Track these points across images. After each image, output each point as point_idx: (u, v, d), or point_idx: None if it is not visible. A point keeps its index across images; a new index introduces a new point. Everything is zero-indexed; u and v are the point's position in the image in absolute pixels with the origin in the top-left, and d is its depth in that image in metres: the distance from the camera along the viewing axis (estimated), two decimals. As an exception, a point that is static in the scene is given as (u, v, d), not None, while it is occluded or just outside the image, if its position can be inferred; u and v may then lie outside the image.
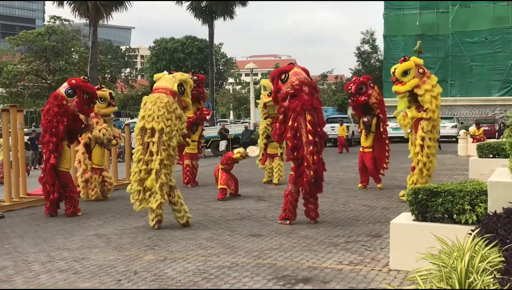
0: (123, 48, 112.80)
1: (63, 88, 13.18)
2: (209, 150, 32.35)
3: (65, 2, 32.42)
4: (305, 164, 10.44)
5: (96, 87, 15.29)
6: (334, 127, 34.72)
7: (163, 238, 9.98)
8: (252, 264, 8.06)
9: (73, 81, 13.24)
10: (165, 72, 11.82)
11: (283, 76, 10.97)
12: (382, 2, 51.23)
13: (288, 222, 10.87)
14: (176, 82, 11.08)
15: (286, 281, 7.19)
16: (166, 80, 11.14)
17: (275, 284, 7.07)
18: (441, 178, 17.22)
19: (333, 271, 7.62)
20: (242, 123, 44.76)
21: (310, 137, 10.43)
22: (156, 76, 11.61)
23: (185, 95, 11.25)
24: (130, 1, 33.77)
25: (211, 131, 34.24)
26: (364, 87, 15.34)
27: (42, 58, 56.37)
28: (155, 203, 10.58)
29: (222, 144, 29.19)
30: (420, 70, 12.75)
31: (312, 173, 10.46)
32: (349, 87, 15.66)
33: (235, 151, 14.94)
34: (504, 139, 10.95)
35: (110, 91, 16.46)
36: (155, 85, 11.26)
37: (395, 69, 13.03)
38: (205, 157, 29.72)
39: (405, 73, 12.78)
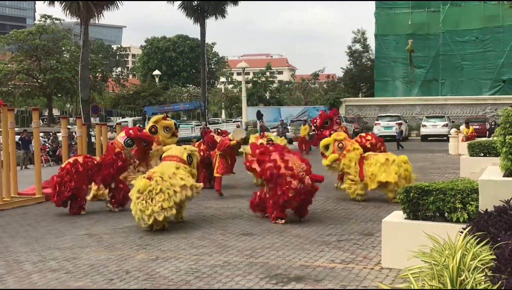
0: (114, 47, 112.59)
1: (121, 139, 13.31)
2: None
3: (56, 1, 32.27)
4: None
5: (162, 116, 15.52)
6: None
7: (155, 237, 9.96)
8: (244, 263, 8.07)
9: (131, 131, 13.43)
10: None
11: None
12: (374, 1, 51.39)
13: (283, 221, 10.86)
14: (186, 153, 11.46)
15: (279, 279, 7.20)
16: (176, 149, 11.56)
17: (268, 282, 7.08)
18: (432, 176, 17.27)
19: (325, 269, 7.63)
20: (234, 122, 44.72)
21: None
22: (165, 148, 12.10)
23: (192, 166, 11.52)
24: (122, 0, 33.64)
25: (186, 131, 34.27)
26: (329, 122, 15.42)
27: (33, 57, 56.22)
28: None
29: None
30: (340, 145, 13.53)
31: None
32: (315, 121, 15.92)
33: (230, 136, 15.14)
34: (495, 138, 11.01)
35: (174, 121, 16.69)
36: (164, 155, 11.59)
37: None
38: None
39: (326, 147, 13.75)
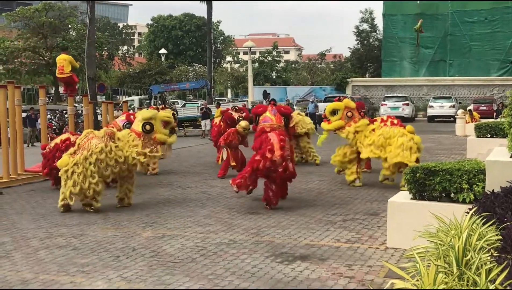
0: (120, 25, 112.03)
1: (120, 122, 13.44)
2: (191, 128, 32.16)
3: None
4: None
5: (161, 106, 15.63)
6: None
7: (161, 215, 10.01)
8: (250, 241, 8.11)
9: (132, 117, 13.44)
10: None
11: (255, 118, 11.39)
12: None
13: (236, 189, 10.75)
14: (140, 122, 10.98)
15: (284, 258, 7.23)
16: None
17: (273, 261, 7.11)
18: (439, 157, 17.24)
19: (331, 248, 7.66)
20: (240, 101, 44.66)
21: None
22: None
23: (155, 132, 10.97)
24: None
25: (192, 111, 34.21)
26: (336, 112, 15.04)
27: (39, 35, 56.06)
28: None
29: (207, 124, 28.57)
30: (349, 114, 12.89)
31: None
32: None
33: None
34: (502, 119, 10.95)
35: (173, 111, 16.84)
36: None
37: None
38: (186, 136, 29.59)
39: (334, 112, 13.04)
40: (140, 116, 11.18)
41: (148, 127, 10.85)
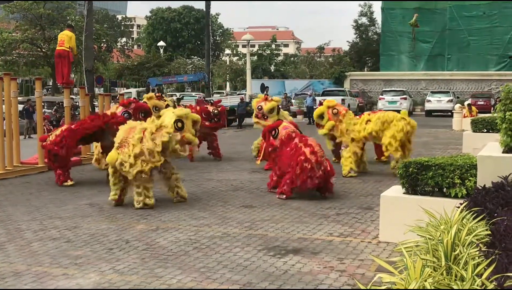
0: (119, 17, 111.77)
1: (119, 112, 13.28)
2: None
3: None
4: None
5: (158, 94, 16.05)
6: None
7: (155, 208, 10.01)
8: (243, 234, 8.13)
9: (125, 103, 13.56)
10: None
11: (273, 132, 11.57)
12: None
13: (284, 197, 10.81)
14: (172, 119, 10.78)
15: (276, 251, 7.25)
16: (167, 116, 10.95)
17: (265, 254, 7.13)
18: (434, 152, 17.26)
19: (323, 242, 7.68)
20: (238, 94, 44.66)
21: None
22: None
23: (184, 131, 10.74)
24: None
25: (190, 103, 34.17)
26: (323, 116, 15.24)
27: (37, 26, 55.97)
28: None
29: None
30: (334, 111, 13.63)
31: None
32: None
33: None
34: (495, 114, 10.97)
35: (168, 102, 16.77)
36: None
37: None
38: None
39: (321, 117, 13.89)
40: (173, 113, 10.98)
41: (179, 124, 10.63)
